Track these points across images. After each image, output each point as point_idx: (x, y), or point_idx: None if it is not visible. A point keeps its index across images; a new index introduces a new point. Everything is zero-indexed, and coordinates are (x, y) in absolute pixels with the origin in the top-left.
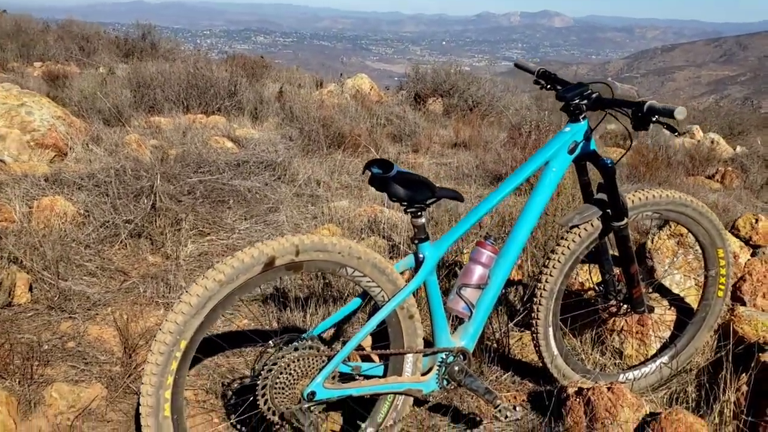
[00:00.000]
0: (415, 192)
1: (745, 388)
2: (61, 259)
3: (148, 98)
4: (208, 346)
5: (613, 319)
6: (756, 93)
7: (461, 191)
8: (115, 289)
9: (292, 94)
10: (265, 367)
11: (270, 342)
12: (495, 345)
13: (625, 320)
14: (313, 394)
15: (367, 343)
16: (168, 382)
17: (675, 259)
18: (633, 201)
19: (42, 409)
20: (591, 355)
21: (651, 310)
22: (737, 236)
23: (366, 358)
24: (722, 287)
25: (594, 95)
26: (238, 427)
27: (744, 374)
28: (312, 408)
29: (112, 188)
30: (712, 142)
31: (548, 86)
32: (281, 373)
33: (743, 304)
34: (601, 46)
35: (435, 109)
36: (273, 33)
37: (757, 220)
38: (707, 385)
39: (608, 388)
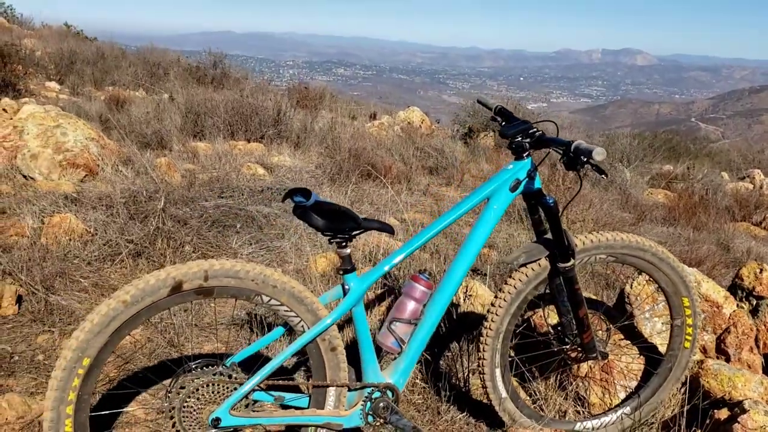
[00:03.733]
0: (334, 222)
1: None
2: (59, 274)
3: (195, 124)
4: (167, 369)
5: (578, 364)
6: None
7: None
8: None
9: (341, 126)
10: (173, 391)
11: (183, 366)
12: (460, 384)
13: (590, 366)
14: (218, 420)
15: None
16: (70, 398)
17: (655, 306)
18: (584, 243)
19: None
20: (553, 399)
21: (604, 356)
22: (740, 286)
23: (296, 389)
24: (689, 338)
25: (538, 133)
26: None
27: (699, 430)
28: None
29: (121, 209)
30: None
31: (503, 123)
32: (189, 397)
33: (728, 357)
34: (685, 85)
35: (486, 143)
36: (353, 65)
37: (762, 270)
38: None
39: None
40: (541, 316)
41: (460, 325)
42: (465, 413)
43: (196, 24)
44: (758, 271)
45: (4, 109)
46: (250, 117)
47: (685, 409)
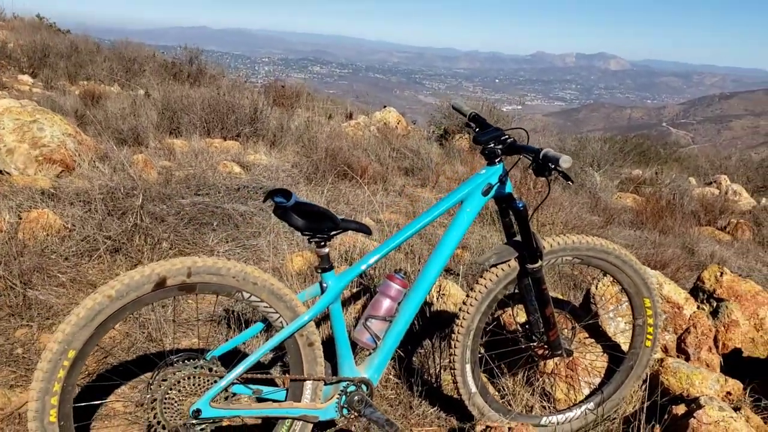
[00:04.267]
0: (314, 223)
1: None
2: (37, 269)
3: (172, 121)
4: (147, 362)
5: (544, 361)
6: None
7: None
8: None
9: (316, 125)
10: (155, 383)
11: (165, 360)
12: (432, 380)
13: (556, 363)
14: (198, 411)
15: None
16: (55, 388)
17: (619, 307)
18: (551, 245)
19: None
20: (521, 395)
21: (569, 354)
22: (701, 288)
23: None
24: (650, 337)
25: (510, 140)
26: None
27: (657, 425)
28: (197, 425)
29: (99, 205)
30: (734, 193)
31: (477, 129)
32: (170, 389)
33: (688, 356)
34: (657, 90)
35: (461, 145)
36: (329, 63)
37: (722, 273)
38: None
39: (509, 428)
40: (510, 315)
41: (433, 324)
42: (436, 408)
43: (171, 19)
44: (719, 274)
45: None
46: (227, 115)
47: (646, 405)
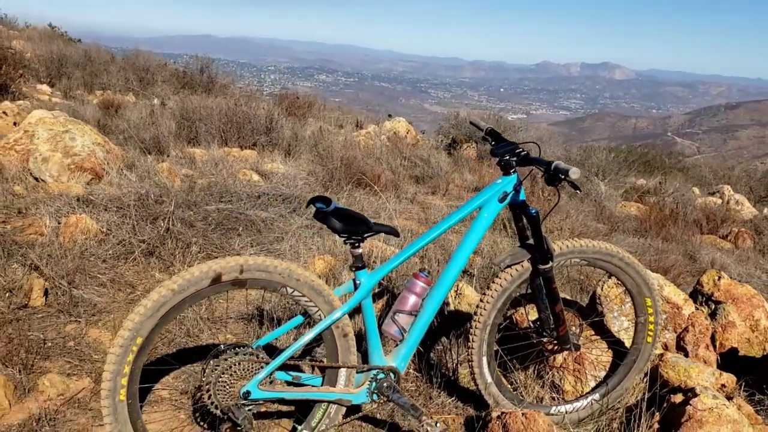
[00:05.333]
0: (350, 225)
1: (657, 425)
2: (78, 270)
3: (190, 130)
4: (186, 355)
5: (553, 355)
6: None
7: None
8: (120, 300)
9: (328, 134)
10: (209, 368)
11: (216, 349)
12: (449, 373)
13: (564, 358)
14: (248, 393)
15: None
16: (125, 370)
17: (623, 306)
18: (561, 248)
19: (34, 395)
20: (532, 387)
21: (577, 348)
22: (701, 291)
23: (310, 370)
24: (651, 333)
25: (523, 153)
26: (199, 422)
27: (657, 413)
28: (246, 406)
29: (133, 210)
30: (736, 202)
31: (493, 143)
32: (223, 374)
33: (686, 353)
34: (662, 100)
35: (468, 154)
36: (335, 72)
37: (720, 278)
38: (634, 420)
39: (523, 414)
40: (521, 314)
41: (450, 322)
42: (454, 398)
43: (176, 27)
44: (717, 278)
45: (4, 112)
46: (243, 125)
47: (647, 395)
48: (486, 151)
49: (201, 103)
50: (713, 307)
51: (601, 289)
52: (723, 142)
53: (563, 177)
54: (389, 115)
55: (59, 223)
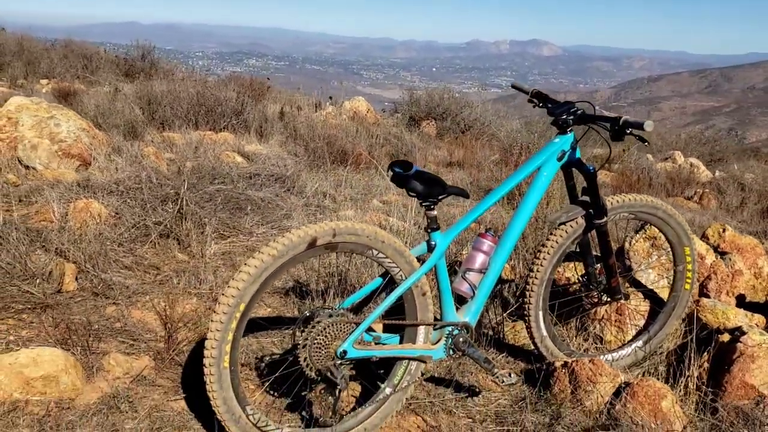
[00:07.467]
0: (429, 188)
1: (706, 365)
2: (99, 254)
3: (158, 115)
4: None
5: (595, 308)
6: (740, 124)
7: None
8: (150, 281)
9: (293, 115)
10: (305, 331)
11: (305, 312)
12: (492, 332)
13: (605, 310)
14: (345, 352)
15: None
16: (229, 337)
17: (650, 259)
18: (612, 203)
19: (102, 374)
20: (575, 340)
21: (627, 297)
22: (707, 243)
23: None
24: (689, 281)
25: (579, 111)
26: (269, 391)
27: (706, 353)
28: (343, 365)
29: (141, 193)
30: (691, 166)
31: (540, 104)
32: (318, 335)
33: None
34: (589, 75)
35: (429, 131)
36: (265, 56)
37: (724, 230)
38: (675, 364)
39: (590, 360)
40: (570, 269)
41: None
42: (504, 354)
43: (97, 14)
44: (721, 230)
45: None
46: (213, 108)
47: (692, 338)
48: (445, 128)
49: (168, 88)
50: (720, 257)
51: (629, 244)
52: (647, 114)
53: (630, 131)
54: (330, 98)
55: (67, 209)
